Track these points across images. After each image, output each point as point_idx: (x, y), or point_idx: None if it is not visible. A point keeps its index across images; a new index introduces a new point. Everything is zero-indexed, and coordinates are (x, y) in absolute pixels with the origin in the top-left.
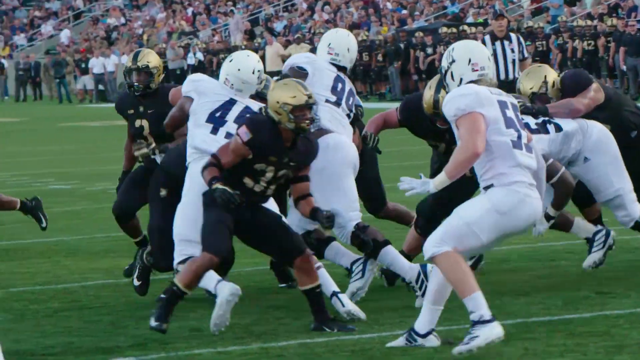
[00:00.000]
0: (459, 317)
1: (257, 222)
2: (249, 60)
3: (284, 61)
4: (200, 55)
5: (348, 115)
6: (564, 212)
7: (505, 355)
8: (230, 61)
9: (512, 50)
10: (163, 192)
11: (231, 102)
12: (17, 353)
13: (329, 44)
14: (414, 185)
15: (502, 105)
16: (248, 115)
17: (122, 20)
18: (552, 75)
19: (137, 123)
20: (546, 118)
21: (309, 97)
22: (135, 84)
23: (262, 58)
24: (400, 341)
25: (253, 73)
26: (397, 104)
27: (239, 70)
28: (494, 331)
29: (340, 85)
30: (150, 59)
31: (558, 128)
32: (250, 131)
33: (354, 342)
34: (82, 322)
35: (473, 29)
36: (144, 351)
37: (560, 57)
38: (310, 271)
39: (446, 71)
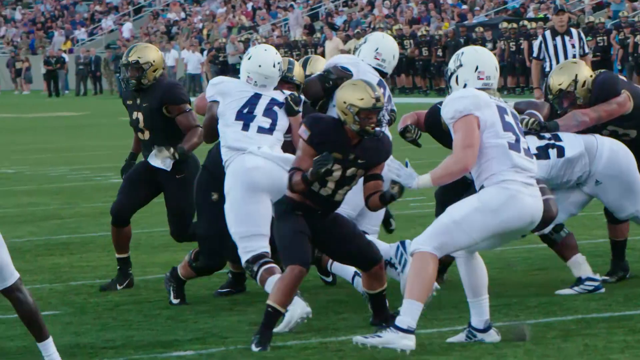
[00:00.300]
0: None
1: (333, 232)
2: (268, 55)
3: None
4: None
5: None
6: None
7: (565, 351)
8: (249, 58)
9: (573, 46)
10: (215, 196)
11: (256, 97)
12: (77, 346)
13: (377, 49)
14: (401, 174)
15: (502, 110)
16: (308, 115)
17: (182, 15)
18: (585, 74)
19: (134, 115)
20: (551, 141)
21: (377, 100)
22: (129, 79)
23: (322, 53)
24: (460, 337)
25: (274, 67)
26: None
27: (259, 66)
28: (405, 341)
29: (381, 91)
30: (143, 54)
31: (560, 153)
32: (309, 128)
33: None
34: (141, 316)
35: (533, 24)
36: (204, 345)
37: (622, 52)
38: (382, 277)
39: (452, 74)
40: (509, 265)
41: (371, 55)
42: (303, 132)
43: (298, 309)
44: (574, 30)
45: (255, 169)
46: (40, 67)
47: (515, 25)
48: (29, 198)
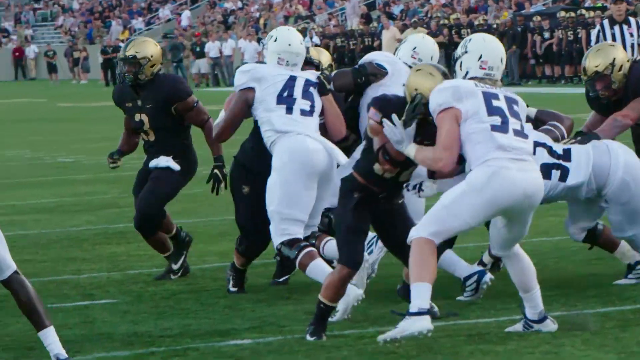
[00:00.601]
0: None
1: (394, 221)
2: (292, 33)
3: None
4: (316, 40)
5: None
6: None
7: (623, 341)
8: (275, 40)
9: (631, 35)
10: (246, 190)
11: (292, 79)
12: (134, 334)
13: (414, 48)
14: (395, 132)
15: (490, 96)
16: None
17: (239, 4)
18: (622, 57)
19: (137, 117)
20: (558, 161)
21: None
22: (126, 74)
23: (379, 43)
24: (518, 326)
25: (301, 44)
26: (513, 89)
27: (289, 45)
28: (418, 324)
29: None
30: (140, 48)
31: (563, 177)
32: (379, 110)
33: (471, 326)
34: (199, 305)
35: (591, 13)
36: (261, 334)
37: None
38: None
39: (457, 59)
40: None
41: (408, 54)
42: (374, 114)
43: (350, 295)
44: (632, 19)
45: (316, 151)
46: (98, 56)
47: (573, 14)
48: (87, 187)
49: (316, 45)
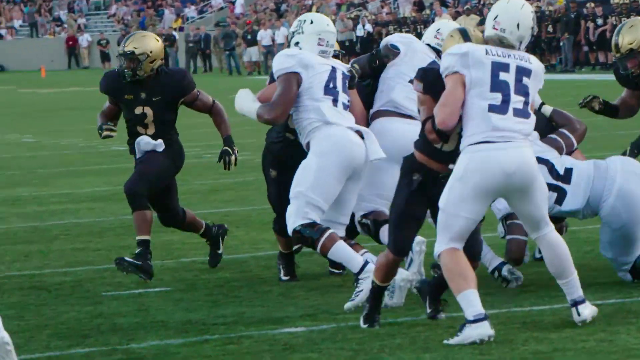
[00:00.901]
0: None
1: None
2: (323, 16)
3: None
4: (369, 27)
5: None
6: None
7: None
8: (312, 22)
9: None
10: (273, 173)
11: (334, 71)
12: (188, 322)
13: (438, 29)
14: None
15: (498, 67)
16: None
17: None
18: None
19: (138, 110)
20: (557, 182)
21: None
22: (125, 70)
23: None
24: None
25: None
26: (567, 76)
27: (327, 25)
28: (478, 331)
29: None
30: (139, 44)
31: (559, 200)
32: (420, 80)
33: (525, 313)
34: (252, 292)
35: None
36: (315, 322)
37: None
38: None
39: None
40: None
41: (432, 35)
42: (416, 85)
43: (398, 277)
44: None
45: (358, 146)
46: None
47: (626, 0)
48: None
49: (369, 33)
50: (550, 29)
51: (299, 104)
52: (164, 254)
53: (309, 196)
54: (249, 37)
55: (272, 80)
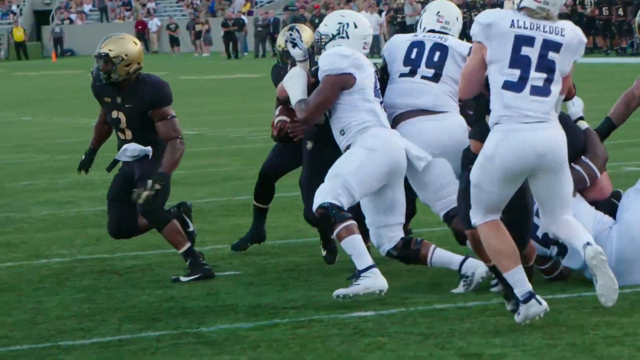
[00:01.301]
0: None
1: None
2: (361, 16)
3: None
4: None
5: None
6: None
7: None
8: (356, 26)
9: None
10: (309, 145)
11: (376, 72)
12: (258, 306)
13: (438, 12)
14: None
15: (522, 41)
16: None
17: None
18: None
19: (114, 114)
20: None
21: None
22: (100, 72)
23: None
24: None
25: None
26: (638, 59)
27: (370, 27)
28: (532, 310)
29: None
30: (115, 47)
31: (560, 253)
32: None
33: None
34: (322, 276)
35: None
36: (384, 306)
37: None
38: (526, 257)
39: None
40: None
41: (434, 20)
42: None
43: (478, 271)
44: None
45: (403, 152)
46: (220, 29)
47: None
48: (210, 159)
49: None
50: (620, 12)
51: (349, 103)
52: (233, 238)
53: (347, 181)
54: (317, 21)
55: (315, 74)
